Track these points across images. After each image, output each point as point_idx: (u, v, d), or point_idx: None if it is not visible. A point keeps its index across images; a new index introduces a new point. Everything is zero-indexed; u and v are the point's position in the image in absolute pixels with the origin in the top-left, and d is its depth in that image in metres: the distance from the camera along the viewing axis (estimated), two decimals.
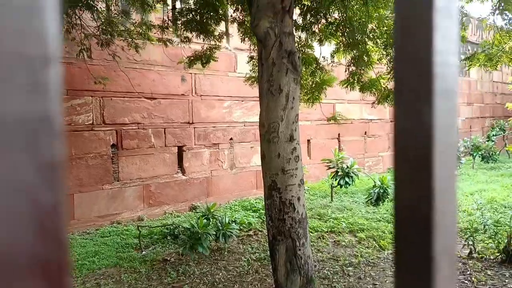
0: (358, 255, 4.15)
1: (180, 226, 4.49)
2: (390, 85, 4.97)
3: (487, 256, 3.95)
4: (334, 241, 4.62)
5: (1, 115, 0.18)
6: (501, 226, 4.46)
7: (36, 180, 0.19)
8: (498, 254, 3.90)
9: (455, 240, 0.35)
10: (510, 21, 4.81)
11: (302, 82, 4.97)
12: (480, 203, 4.89)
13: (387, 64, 4.78)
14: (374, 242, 4.51)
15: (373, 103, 5.03)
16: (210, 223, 4.29)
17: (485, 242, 4.24)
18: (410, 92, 0.32)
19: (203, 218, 4.30)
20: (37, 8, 0.19)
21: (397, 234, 0.34)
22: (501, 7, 4.50)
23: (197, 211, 5.62)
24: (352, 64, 4.63)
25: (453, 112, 0.33)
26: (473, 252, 4.03)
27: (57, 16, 0.18)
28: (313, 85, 4.97)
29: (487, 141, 10.35)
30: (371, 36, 4.48)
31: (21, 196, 0.18)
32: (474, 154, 9.62)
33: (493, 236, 4.07)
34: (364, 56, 4.47)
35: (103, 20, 4.15)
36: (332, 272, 3.75)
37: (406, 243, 0.33)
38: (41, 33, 0.19)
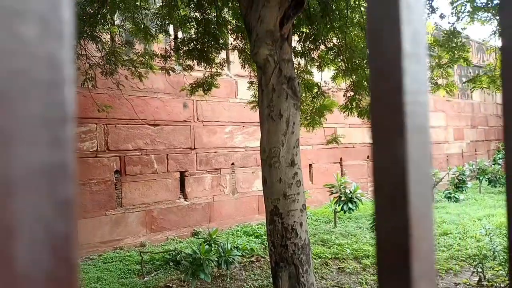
0: (363, 282, 4.09)
1: (182, 252, 4.47)
2: None
3: (498, 284, 3.84)
4: (338, 268, 4.57)
5: (29, 164, 0.23)
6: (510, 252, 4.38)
7: (53, 213, 0.23)
8: (508, 281, 3.77)
9: (433, 264, 0.37)
10: None
11: (302, 107, 5.04)
12: (489, 228, 4.73)
13: None
14: None
15: None
16: (212, 249, 4.25)
17: (495, 269, 4.10)
18: (385, 129, 0.35)
19: (205, 244, 4.26)
20: (57, 82, 0.24)
21: (379, 263, 0.36)
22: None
23: (199, 236, 5.59)
24: (350, 90, 4.69)
25: (425, 146, 0.36)
26: (482, 280, 3.90)
27: (73, 88, 0.24)
28: (314, 110, 5.03)
29: (494, 164, 10.26)
30: None
31: (41, 226, 0.23)
32: (481, 178, 9.49)
33: (503, 263, 3.92)
34: (363, 82, 4.54)
35: (107, 50, 4.26)
36: None
37: (387, 271, 0.35)
38: (61, 102, 0.24)
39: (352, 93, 4.67)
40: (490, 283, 3.88)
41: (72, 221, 0.23)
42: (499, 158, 10.93)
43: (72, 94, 0.24)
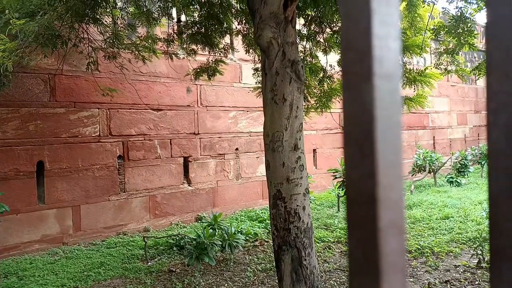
0: None
1: (186, 237, 4.48)
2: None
3: None
4: (341, 251, 4.58)
5: None
6: None
7: None
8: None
9: (403, 214, 0.36)
10: None
11: (311, 91, 4.99)
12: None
13: None
14: None
15: None
16: (216, 233, 4.27)
17: None
18: (353, 76, 0.34)
19: (209, 228, 4.29)
20: None
21: (348, 211, 0.35)
22: None
23: (203, 221, 5.61)
24: None
25: (395, 93, 0.34)
26: (482, 262, 3.96)
27: None
28: (321, 94, 4.99)
29: None
30: None
31: None
32: (483, 163, 9.53)
33: None
34: None
35: (109, 33, 4.22)
36: (338, 282, 3.71)
37: (356, 218, 0.34)
38: None
39: None
40: (489, 265, 3.88)
41: None
42: None
43: None
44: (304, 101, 4.67)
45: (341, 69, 0.36)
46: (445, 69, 5.19)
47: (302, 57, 4.55)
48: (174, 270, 4.09)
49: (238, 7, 4.52)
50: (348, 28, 0.34)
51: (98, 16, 3.87)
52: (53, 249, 4.76)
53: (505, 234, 0.44)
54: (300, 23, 4.39)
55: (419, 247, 4.51)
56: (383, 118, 0.34)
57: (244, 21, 4.62)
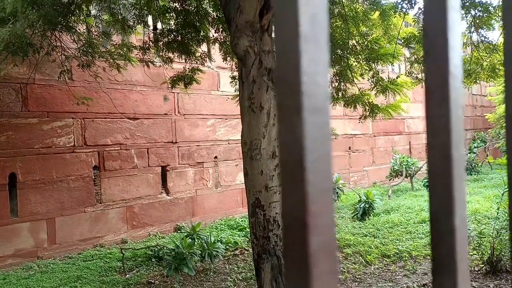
0: (344, 271, 4.12)
1: (165, 248, 4.42)
2: (374, 100, 5.07)
3: (472, 268, 3.94)
4: None
5: None
6: (484, 237, 4.49)
7: None
8: (482, 265, 3.89)
9: (333, 238, 0.38)
10: (485, 38, 4.93)
11: None
12: None
13: (371, 79, 4.87)
14: (360, 258, 4.49)
15: (360, 118, 5.12)
16: (195, 243, 4.23)
17: (469, 253, 4.24)
18: (286, 108, 0.37)
19: (188, 238, 4.24)
20: None
21: (284, 236, 0.38)
22: (476, 24, 4.62)
23: (182, 231, 5.54)
24: (335, 80, 4.71)
25: (324, 126, 0.37)
26: None
27: None
28: None
29: (469, 153, 10.52)
30: (352, 52, 4.57)
31: None
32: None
33: (477, 248, 4.06)
34: (347, 71, 4.56)
35: (83, 41, 4.15)
36: None
37: (290, 242, 0.37)
38: None
39: (337, 84, 4.69)
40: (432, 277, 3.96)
41: None
42: (475, 147, 11.19)
43: None
44: None
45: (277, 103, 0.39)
46: (416, 77, 5.30)
47: None
48: (153, 281, 4.02)
49: (215, 15, 4.52)
50: (280, 64, 0.37)
51: (71, 24, 3.80)
52: (28, 263, 4.62)
53: (445, 247, 0.47)
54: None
55: (397, 251, 4.56)
56: (313, 148, 0.36)
57: (221, 29, 4.63)
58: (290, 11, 0.36)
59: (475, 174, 9.81)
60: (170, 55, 4.60)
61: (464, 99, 13.53)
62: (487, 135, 11.87)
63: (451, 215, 0.48)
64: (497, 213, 4.22)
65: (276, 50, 0.38)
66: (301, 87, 0.36)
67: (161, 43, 4.52)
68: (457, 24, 0.46)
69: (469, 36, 5.13)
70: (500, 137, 11.42)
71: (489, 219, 5.68)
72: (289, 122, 0.37)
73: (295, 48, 0.36)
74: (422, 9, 0.52)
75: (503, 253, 3.84)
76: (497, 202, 4.37)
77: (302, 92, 0.36)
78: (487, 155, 10.62)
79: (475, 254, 4.09)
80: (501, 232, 3.93)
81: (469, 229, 4.34)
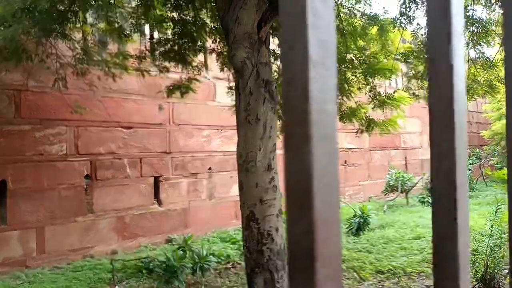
0: None
1: (156, 260, 4.37)
2: (371, 114, 5.06)
3: None
4: None
5: None
6: (478, 254, 4.46)
7: None
8: (475, 283, 3.89)
9: (339, 267, 0.38)
10: (483, 55, 4.95)
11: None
12: None
13: (368, 94, 4.87)
14: (354, 273, 4.44)
15: (357, 132, 5.11)
16: (187, 255, 4.18)
17: None
18: (294, 137, 0.36)
19: (180, 250, 4.20)
20: None
21: (290, 265, 0.38)
22: (474, 41, 4.65)
23: (174, 243, 5.48)
24: None
25: (332, 153, 0.37)
26: None
27: None
28: None
29: None
30: (350, 66, 4.58)
31: None
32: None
33: (471, 264, 4.05)
34: (344, 85, 4.55)
35: (79, 49, 4.13)
36: None
37: (297, 273, 0.37)
38: None
39: None
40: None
41: None
42: (470, 164, 11.22)
43: None
44: (279, 120, 4.69)
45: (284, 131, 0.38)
46: (413, 93, 5.30)
47: (276, 77, 4.58)
48: None
49: (212, 26, 4.52)
50: (288, 92, 0.37)
51: (67, 32, 3.78)
52: (16, 272, 4.53)
53: (448, 271, 0.48)
54: (274, 42, 4.41)
55: (391, 267, 4.54)
56: (320, 178, 0.36)
57: (218, 39, 4.63)
58: (299, 36, 0.35)
59: (470, 191, 9.82)
60: (167, 64, 4.59)
61: None
62: (482, 152, 11.90)
63: (455, 240, 0.47)
64: (491, 230, 4.23)
65: (283, 77, 0.37)
66: (310, 116, 0.35)
67: (157, 52, 4.51)
68: (461, 50, 0.46)
69: (467, 53, 5.16)
70: (496, 154, 11.45)
71: (483, 236, 5.65)
72: (297, 151, 0.36)
73: (304, 75, 0.35)
74: (426, 35, 0.52)
75: (496, 271, 3.84)
76: (491, 220, 4.38)
77: (311, 121, 0.35)
78: (482, 172, 10.63)
79: (469, 272, 4.06)
80: (494, 250, 3.93)
81: None
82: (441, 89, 0.45)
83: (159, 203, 5.94)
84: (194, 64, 4.76)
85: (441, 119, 0.46)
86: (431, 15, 0.46)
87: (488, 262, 3.83)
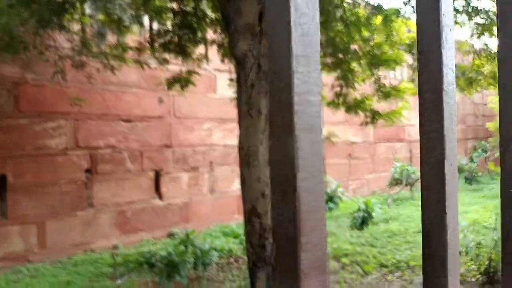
0: (341, 281, 4.08)
1: (157, 254, 4.37)
2: (376, 106, 5.00)
3: (469, 279, 3.95)
4: None
5: None
6: (482, 248, 4.44)
7: None
8: (479, 276, 3.89)
9: (324, 255, 0.39)
10: (486, 46, 4.87)
11: None
12: (463, 225, 4.89)
13: (373, 85, 4.82)
14: (358, 267, 4.42)
15: (362, 124, 5.07)
16: (189, 250, 4.18)
17: (467, 264, 4.22)
18: (277, 127, 0.38)
19: (181, 245, 4.19)
20: None
21: (276, 253, 0.39)
22: (478, 31, 4.57)
23: (175, 238, 5.47)
24: (337, 85, 4.67)
25: (315, 144, 0.38)
26: None
27: None
28: None
29: (470, 162, 10.45)
30: (354, 56, 4.52)
31: None
32: (458, 176, 9.71)
33: (474, 259, 4.06)
34: (349, 76, 4.51)
35: (78, 41, 4.08)
36: None
37: (281, 260, 0.38)
38: None
39: (338, 89, 4.65)
40: (462, 278, 3.95)
41: None
42: (476, 156, 11.13)
43: None
44: None
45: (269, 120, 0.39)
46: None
47: None
48: None
49: (213, 17, 4.45)
50: (272, 83, 0.39)
51: (65, 24, 3.72)
52: (17, 267, 4.53)
53: (439, 263, 0.48)
54: None
55: (395, 261, 4.53)
56: (304, 167, 0.37)
57: (219, 31, 4.56)
58: (282, 31, 0.37)
59: (475, 184, 9.75)
60: (166, 56, 4.54)
61: (466, 108, 13.49)
62: (487, 145, 11.79)
63: (444, 229, 0.48)
64: (496, 223, 4.23)
65: (270, 68, 0.39)
66: (293, 107, 0.37)
67: (157, 44, 4.45)
68: (452, 42, 0.47)
69: (471, 44, 5.07)
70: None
71: (487, 229, 5.61)
72: (280, 140, 0.37)
73: (288, 68, 0.37)
74: (416, 28, 0.52)
75: (500, 264, 3.81)
76: (496, 213, 4.37)
77: (294, 112, 0.37)
78: (488, 165, 10.54)
79: (473, 265, 4.09)
80: (498, 243, 3.91)
81: (467, 240, 4.30)
82: (430, 80, 0.46)
83: (160, 197, 5.91)
84: (194, 56, 4.70)
85: (430, 110, 0.46)
86: (421, 6, 0.46)
87: (492, 255, 3.83)
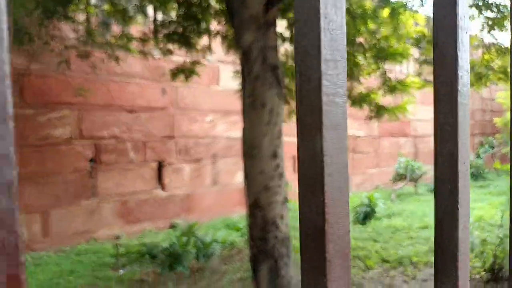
0: None
1: (159, 245, 4.38)
2: (382, 100, 4.96)
3: (474, 275, 3.93)
4: None
5: None
6: (487, 244, 4.42)
7: None
8: (484, 273, 3.87)
9: (348, 247, 0.42)
10: (496, 40, 4.81)
11: (292, 95, 4.93)
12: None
13: (378, 78, 4.77)
14: (360, 262, 4.41)
15: (366, 118, 5.04)
16: (191, 241, 4.19)
17: (472, 261, 4.19)
18: (306, 126, 0.40)
19: (184, 236, 4.20)
20: None
21: (302, 243, 0.41)
22: (488, 25, 4.50)
23: (178, 229, 5.48)
24: None
25: (341, 141, 0.41)
26: None
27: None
28: None
29: (477, 158, 10.36)
30: (360, 49, 4.47)
31: None
32: None
33: (479, 255, 4.04)
34: (354, 69, 4.46)
35: (83, 31, 4.06)
36: None
37: (308, 248, 0.41)
38: None
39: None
40: None
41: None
42: (483, 152, 11.03)
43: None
44: (285, 105, 4.63)
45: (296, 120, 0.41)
46: (425, 79, 5.18)
47: (284, 61, 4.49)
48: (146, 279, 3.97)
49: (218, 8, 4.42)
50: (301, 85, 0.41)
51: (70, 14, 3.71)
52: None
53: (449, 253, 0.50)
54: (282, 25, 4.31)
55: (398, 256, 4.52)
56: (330, 162, 0.39)
57: (224, 22, 4.53)
58: (312, 35, 0.39)
59: (481, 180, 9.67)
60: (170, 47, 4.51)
61: (474, 103, 13.33)
62: (494, 140, 11.68)
63: (456, 222, 0.49)
64: (501, 220, 4.20)
65: (297, 72, 0.41)
66: (322, 107, 0.39)
67: (161, 34, 4.43)
68: (467, 35, 0.47)
69: (481, 38, 5.00)
70: (508, 143, 11.25)
71: (492, 226, 5.58)
72: (308, 138, 0.40)
73: (317, 71, 0.39)
74: (432, 19, 0.52)
75: (505, 261, 3.81)
76: (502, 210, 4.33)
77: (322, 111, 0.39)
78: (494, 161, 10.46)
79: (478, 262, 4.05)
80: (504, 240, 3.90)
81: (472, 237, 4.28)
82: (446, 74, 0.47)
83: (163, 188, 5.91)
84: (199, 47, 4.67)
85: (445, 103, 0.47)
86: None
87: (497, 253, 3.81)
